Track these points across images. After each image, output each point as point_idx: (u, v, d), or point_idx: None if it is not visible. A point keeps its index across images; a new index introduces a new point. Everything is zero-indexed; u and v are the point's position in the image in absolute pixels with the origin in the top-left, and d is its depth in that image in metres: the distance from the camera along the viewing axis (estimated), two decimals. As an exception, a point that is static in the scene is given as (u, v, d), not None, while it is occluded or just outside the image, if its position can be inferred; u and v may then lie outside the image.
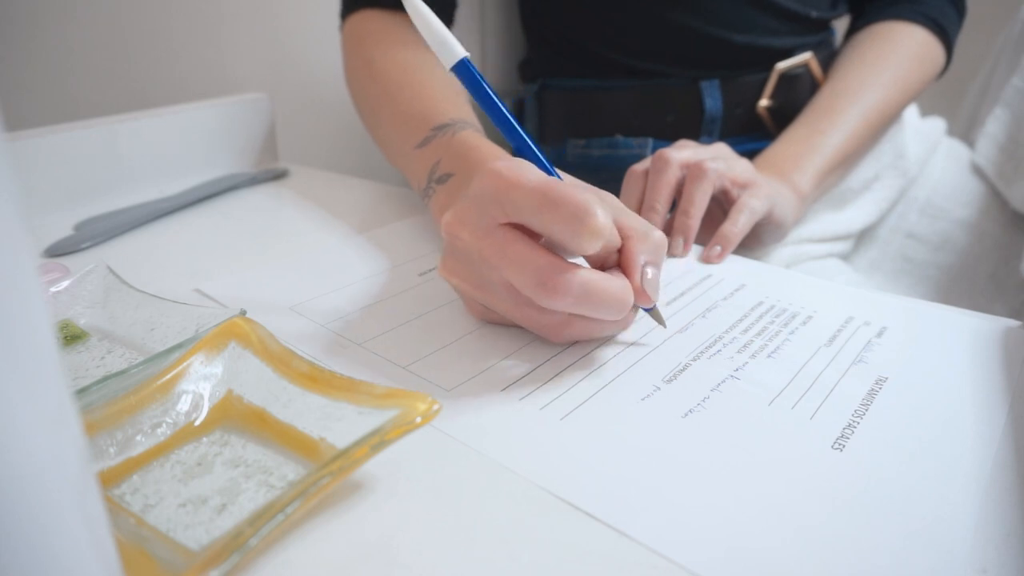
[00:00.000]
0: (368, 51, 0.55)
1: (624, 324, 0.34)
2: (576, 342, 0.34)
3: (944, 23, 0.63)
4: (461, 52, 0.33)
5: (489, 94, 0.33)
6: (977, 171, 0.67)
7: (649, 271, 0.32)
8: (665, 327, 0.35)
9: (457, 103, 0.48)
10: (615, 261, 0.32)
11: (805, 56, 0.62)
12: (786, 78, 0.62)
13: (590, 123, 0.65)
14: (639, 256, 0.31)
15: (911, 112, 0.68)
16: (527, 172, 0.29)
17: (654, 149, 0.63)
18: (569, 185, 0.29)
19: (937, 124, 0.69)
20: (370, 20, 0.57)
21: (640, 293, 0.31)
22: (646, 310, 0.34)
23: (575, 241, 0.28)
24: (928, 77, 0.63)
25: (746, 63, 0.62)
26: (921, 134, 0.67)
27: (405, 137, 0.46)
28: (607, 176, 0.58)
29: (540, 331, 0.32)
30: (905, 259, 0.65)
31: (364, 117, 0.56)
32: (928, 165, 0.67)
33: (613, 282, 0.30)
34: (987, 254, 0.64)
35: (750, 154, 0.52)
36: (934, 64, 0.63)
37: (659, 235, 0.32)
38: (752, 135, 0.64)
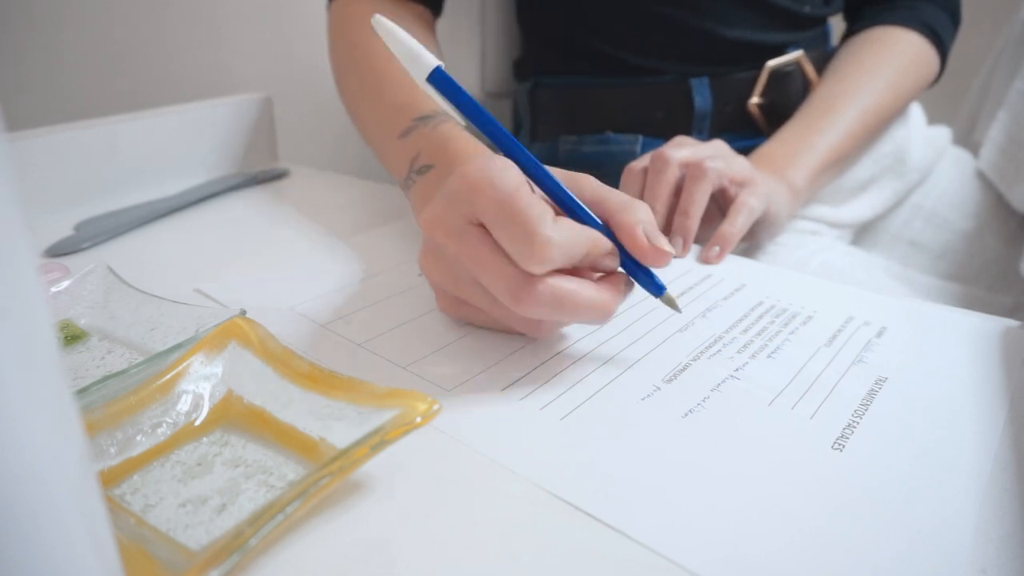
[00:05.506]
0: (352, 36, 0.55)
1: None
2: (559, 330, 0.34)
3: (940, 31, 0.63)
4: (433, 61, 0.31)
5: (468, 99, 0.32)
6: (981, 180, 0.67)
7: (649, 231, 0.30)
8: (680, 312, 0.33)
9: None
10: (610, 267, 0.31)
11: (796, 54, 0.62)
12: (776, 76, 0.62)
13: (581, 120, 0.66)
14: (634, 223, 0.30)
15: (918, 118, 0.68)
16: (496, 175, 0.28)
17: (644, 145, 0.63)
18: (532, 199, 0.28)
19: (943, 132, 0.69)
20: (355, 3, 0.57)
21: (650, 250, 0.30)
22: (657, 295, 0.32)
23: (522, 262, 0.28)
24: (923, 83, 0.64)
25: (737, 59, 0.62)
26: (927, 141, 0.67)
27: (388, 126, 0.46)
28: (598, 172, 0.58)
29: (515, 329, 0.33)
30: (905, 266, 0.65)
31: (347, 103, 0.55)
32: (934, 174, 0.67)
33: (588, 289, 0.29)
34: (987, 267, 0.64)
35: (740, 151, 0.52)
36: (929, 70, 0.64)
37: (643, 204, 0.31)
38: (742, 132, 0.64)
